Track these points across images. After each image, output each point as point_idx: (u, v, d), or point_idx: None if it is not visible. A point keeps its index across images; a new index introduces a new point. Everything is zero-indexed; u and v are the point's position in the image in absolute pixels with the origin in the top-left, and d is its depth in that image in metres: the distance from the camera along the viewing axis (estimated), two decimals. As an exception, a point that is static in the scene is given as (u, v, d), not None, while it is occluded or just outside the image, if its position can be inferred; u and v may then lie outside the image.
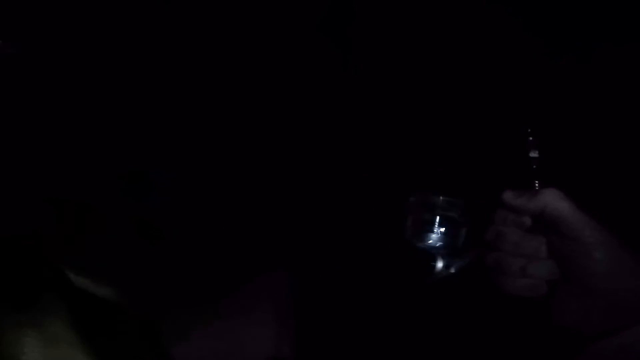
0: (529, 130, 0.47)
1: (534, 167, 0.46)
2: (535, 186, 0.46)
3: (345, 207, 0.74)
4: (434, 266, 0.47)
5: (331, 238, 0.56)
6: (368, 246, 0.51)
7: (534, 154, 0.46)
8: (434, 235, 0.47)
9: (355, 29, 0.87)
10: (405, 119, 0.83)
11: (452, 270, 0.47)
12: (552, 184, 0.44)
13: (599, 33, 0.80)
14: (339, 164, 0.85)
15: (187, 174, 0.87)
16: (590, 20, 0.80)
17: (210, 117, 0.88)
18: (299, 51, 0.88)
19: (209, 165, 0.86)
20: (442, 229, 0.47)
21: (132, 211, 0.81)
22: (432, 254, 0.47)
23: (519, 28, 0.83)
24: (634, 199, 0.65)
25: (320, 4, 0.88)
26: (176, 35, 0.88)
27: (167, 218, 0.85)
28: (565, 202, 0.42)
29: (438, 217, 0.47)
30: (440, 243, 0.47)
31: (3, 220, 0.71)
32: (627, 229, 0.43)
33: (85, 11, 0.82)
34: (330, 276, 0.48)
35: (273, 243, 0.75)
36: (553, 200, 0.42)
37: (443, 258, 0.47)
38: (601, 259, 0.41)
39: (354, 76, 0.87)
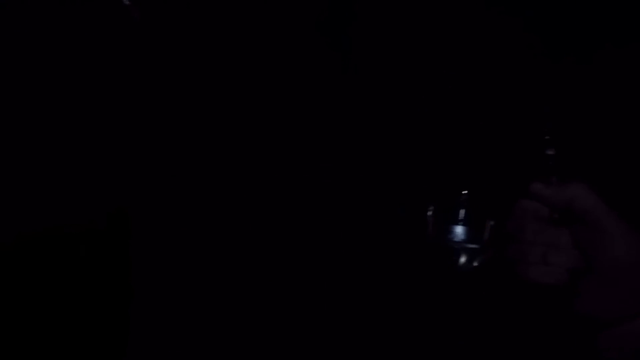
0: (546, 129, 0.48)
1: (551, 164, 0.46)
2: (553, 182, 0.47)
3: (359, 206, 0.74)
4: (457, 261, 0.48)
5: (352, 234, 0.56)
6: (391, 242, 0.52)
7: (550, 152, 0.47)
8: (457, 231, 0.49)
9: (355, 29, 0.87)
10: (407, 119, 0.83)
11: (475, 264, 0.48)
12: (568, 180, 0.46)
13: (599, 33, 0.80)
14: (340, 164, 0.85)
15: (188, 174, 0.87)
16: (590, 20, 0.80)
17: (210, 118, 0.88)
18: (298, 51, 0.88)
19: (209, 166, 0.86)
20: (465, 225, 0.49)
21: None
22: (454, 248, 0.48)
23: (519, 28, 0.83)
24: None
25: (320, 4, 0.88)
26: (176, 35, 0.87)
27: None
28: (593, 195, 0.44)
29: (461, 213, 0.49)
30: (463, 238, 0.49)
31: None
32: None
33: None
34: (351, 272, 0.48)
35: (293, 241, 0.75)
36: (581, 193, 0.44)
37: (465, 253, 0.48)
38: (626, 250, 0.43)
39: (353, 77, 0.87)
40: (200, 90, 0.88)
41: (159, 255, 0.85)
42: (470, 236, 0.49)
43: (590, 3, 0.81)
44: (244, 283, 0.76)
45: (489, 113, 0.76)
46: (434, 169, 0.66)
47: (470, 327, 0.51)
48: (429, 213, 0.49)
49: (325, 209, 0.80)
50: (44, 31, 0.84)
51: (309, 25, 0.88)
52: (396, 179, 0.78)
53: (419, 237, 0.50)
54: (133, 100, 0.87)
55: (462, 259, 0.48)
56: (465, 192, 0.49)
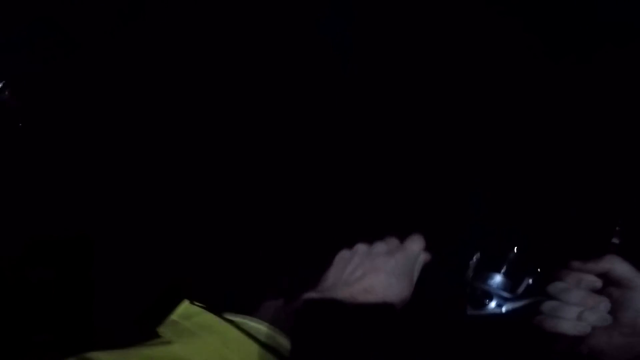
0: (618, 221, 0.59)
1: (612, 250, 0.56)
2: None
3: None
4: (487, 303, 0.55)
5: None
6: (427, 270, 0.56)
7: (615, 241, 0.58)
8: (496, 278, 0.56)
9: (355, 29, 0.87)
10: (408, 119, 0.83)
11: (503, 311, 0.55)
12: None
13: (599, 33, 0.80)
14: (338, 165, 0.85)
15: (188, 175, 0.87)
16: (590, 20, 0.80)
17: (210, 118, 0.88)
18: (298, 51, 0.88)
19: (209, 166, 0.86)
20: (504, 276, 0.56)
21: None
22: (488, 292, 0.55)
23: (519, 28, 0.83)
24: None
25: (320, 4, 0.88)
26: (176, 35, 0.88)
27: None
28: (625, 264, 0.54)
29: (503, 266, 0.56)
30: (499, 287, 0.56)
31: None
32: None
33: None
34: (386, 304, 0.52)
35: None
36: (615, 263, 0.54)
37: (498, 299, 0.55)
38: None
39: (353, 77, 0.87)
40: (202, 89, 0.88)
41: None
42: (506, 286, 0.55)
43: (590, 3, 0.80)
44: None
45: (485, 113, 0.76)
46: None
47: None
48: (475, 259, 0.55)
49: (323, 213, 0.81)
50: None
51: (310, 25, 0.88)
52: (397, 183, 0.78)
53: (458, 273, 0.55)
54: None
55: (493, 304, 0.55)
56: (515, 248, 0.57)
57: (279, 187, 0.85)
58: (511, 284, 0.56)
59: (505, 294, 0.55)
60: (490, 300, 0.54)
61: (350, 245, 0.57)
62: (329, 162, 0.85)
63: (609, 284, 0.55)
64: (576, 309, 0.54)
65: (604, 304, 0.54)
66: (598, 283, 0.55)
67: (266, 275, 0.75)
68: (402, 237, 0.57)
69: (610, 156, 0.78)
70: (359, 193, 0.82)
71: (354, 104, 0.86)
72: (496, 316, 0.55)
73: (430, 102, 0.84)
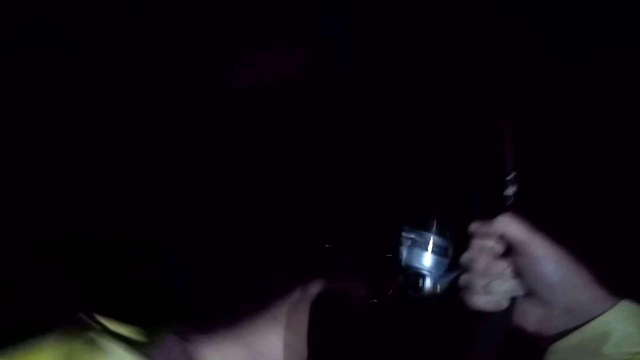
0: (509, 168, 0.54)
1: (508, 203, 0.52)
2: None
3: (342, 214, 0.77)
4: (423, 284, 0.53)
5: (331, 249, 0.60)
6: (363, 260, 0.56)
7: (510, 191, 0.53)
8: (427, 258, 0.54)
9: (355, 29, 0.87)
10: (408, 119, 0.83)
11: (438, 289, 0.53)
12: (525, 207, 0.51)
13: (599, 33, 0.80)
14: (337, 166, 0.85)
15: (187, 175, 0.87)
16: (590, 20, 0.80)
17: (209, 118, 0.88)
18: (298, 52, 0.88)
19: (209, 167, 0.87)
20: (434, 254, 0.54)
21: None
22: (422, 273, 0.54)
23: (519, 28, 0.83)
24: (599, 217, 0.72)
25: (320, 4, 0.88)
26: (176, 35, 0.88)
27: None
28: (515, 224, 0.49)
29: (431, 243, 0.54)
30: (431, 265, 0.54)
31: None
32: (588, 251, 0.49)
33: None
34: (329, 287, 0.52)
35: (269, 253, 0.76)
36: (506, 224, 0.49)
37: (431, 278, 0.54)
38: (551, 272, 0.48)
39: (353, 77, 0.87)
40: (202, 90, 0.88)
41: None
42: (437, 264, 0.54)
43: (590, 3, 0.81)
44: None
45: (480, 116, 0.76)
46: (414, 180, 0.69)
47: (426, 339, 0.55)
48: (404, 238, 0.54)
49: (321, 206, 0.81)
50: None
51: (310, 25, 0.88)
52: (379, 179, 0.78)
53: (393, 259, 0.54)
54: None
55: (428, 283, 0.53)
56: (434, 220, 0.55)
57: (277, 186, 0.85)
58: (439, 261, 0.54)
59: (437, 271, 0.53)
60: (424, 280, 0.53)
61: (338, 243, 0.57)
62: (329, 162, 0.86)
63: (510, 249, 0.49)
64: (483, 280, 0.49)
65: (509, 271, 0.49)
66: (497, 247, 0.49)
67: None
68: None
69: (611, 156, 0.79)
70: (358, 193, 0.82)
71: (354, 104, 0.86)
72: (435, 296, 0.53)
73: (430, 102, 0.84)
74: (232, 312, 0.52)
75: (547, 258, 0.48)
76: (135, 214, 0.86)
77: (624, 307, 0.47)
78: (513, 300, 0.50)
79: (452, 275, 0.53)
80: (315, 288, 0.53)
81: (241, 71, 0.88)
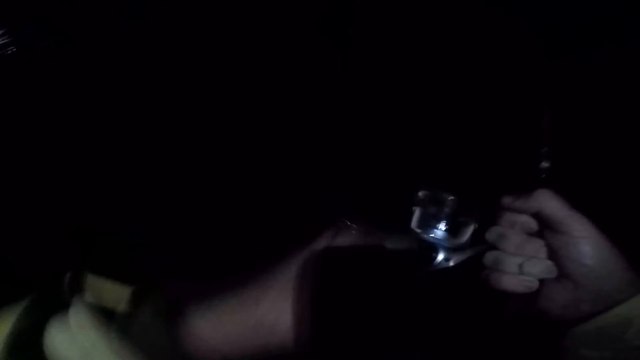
0: (544, 141, 0.50)
1: (544, 175, 0.48)
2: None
3: (350, 201, 0.75)
4: (435, 257, 0.49)
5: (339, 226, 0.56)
6: (373, 232, 0.52)
7: (545, 164, 0.49)
8: (438, 230, 0.50)
9: (355, 29, 0.87)
10: (407, 119, 0.83)
11: (451, 264, 0.49)
12: (559, 188, 0.47)
13: (599, 33, 0.80)
14: (339, 164, 0.85)
15: (187, 175, 0.87)
16: (590, 20, 0.80)
17: (210, 119, 0.88)
18: (299, 52, 0.88)
19: (209, 167, 0.86)
20: (447, 226, 0.50)
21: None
22: (434, 245, 0.49)
23: (519, 28, 0.83)
24: (630, 201, 0.68)
25: (320, 4, 0.88)
26: (177, 34, 0.88)
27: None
28: (555, 201, 0.45)
29: (444, 214, 0.50)
30: (444, 238, 0.50)
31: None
32: (622, 234, 0.45)
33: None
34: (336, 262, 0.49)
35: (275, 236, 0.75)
36: (545, 200, 0.45)
37: (444, 251, 0.49)
38: (589, 253, 0.44)
39: (354, 77, 0.87)
40: (202, 90, 0.88)
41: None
42: (451, 237, 0.50)
43: (590, 3, 0.80)
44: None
45: (489, 116, 0.76)
46: (422, 170, 0.67)
47: (433, 323, 0.52)
48: (416, 207, 0.50)
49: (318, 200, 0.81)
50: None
51: (310, 25, 0.88)
52: (384, 174, 0.78)
53: (403, 229, 0.51)
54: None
55: (440, 257, 0.49)
56: (453, 196, 0.50)
57: (276, 186, 0.85)
58: (454, 234, 0.50)
59: (451, 245, 0.49)
60: (437, 253, 0.49)
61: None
62: (328, 161, 0.86)
63: (545, 226, 0.46)
64: (516, 259, 0.46)
65: (544, 251, 0.46)
66: (532, 224, 0.46)
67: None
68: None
69: (610, 156, 0.78)
70: (357, 192, 0.82)
71: (354, 104, 0.86)
72: (446, 270, 0.49)
73: (430, 102, 0.84)
74: (229, 282, 0.51)
75: (587, 239, 0.45)
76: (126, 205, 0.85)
77: None
78: (544, 283, 0.46)
79: (472, 251, 0.49)
80: (318, 255, 0.50)
81: (241, 70, 0.89)
